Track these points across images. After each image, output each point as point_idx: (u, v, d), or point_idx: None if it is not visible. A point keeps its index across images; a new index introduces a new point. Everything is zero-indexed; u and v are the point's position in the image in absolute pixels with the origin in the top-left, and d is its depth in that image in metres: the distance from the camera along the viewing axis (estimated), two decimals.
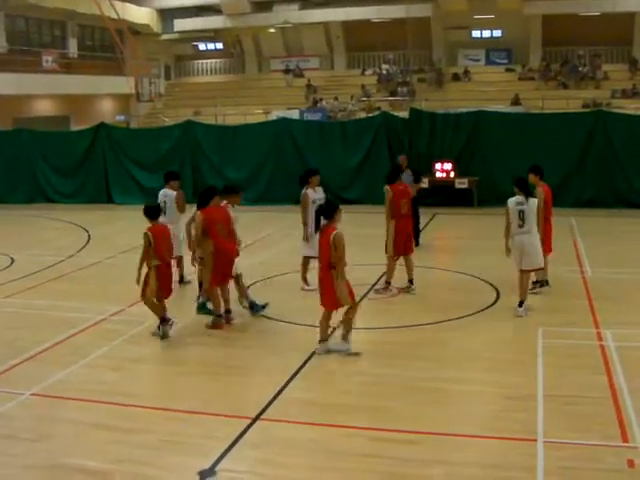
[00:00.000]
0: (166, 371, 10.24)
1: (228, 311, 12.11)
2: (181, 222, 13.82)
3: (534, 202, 12.01)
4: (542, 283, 13.38)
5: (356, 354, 10.38)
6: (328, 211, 10.47)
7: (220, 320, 11.90)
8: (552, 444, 7.58)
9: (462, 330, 11.47)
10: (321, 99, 44.25)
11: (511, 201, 12.06)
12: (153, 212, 11.53)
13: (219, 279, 11.89)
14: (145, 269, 11.29)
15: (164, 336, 11.30)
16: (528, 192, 12.08)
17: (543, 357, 10.09)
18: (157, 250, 11.19)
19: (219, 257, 11.75)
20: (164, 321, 11.35)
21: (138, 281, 11.27)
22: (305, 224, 13.78)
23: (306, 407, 8.79)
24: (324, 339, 10.56)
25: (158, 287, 11.25)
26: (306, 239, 13.75)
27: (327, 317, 10.53)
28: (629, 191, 22.70)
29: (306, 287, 13.85)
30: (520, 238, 12.00)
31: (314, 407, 8.79)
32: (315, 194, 13.85)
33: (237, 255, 12.22)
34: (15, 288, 14.57)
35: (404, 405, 8.78)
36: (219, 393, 9.35)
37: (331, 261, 10.17)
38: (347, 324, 10.51)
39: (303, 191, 13.91)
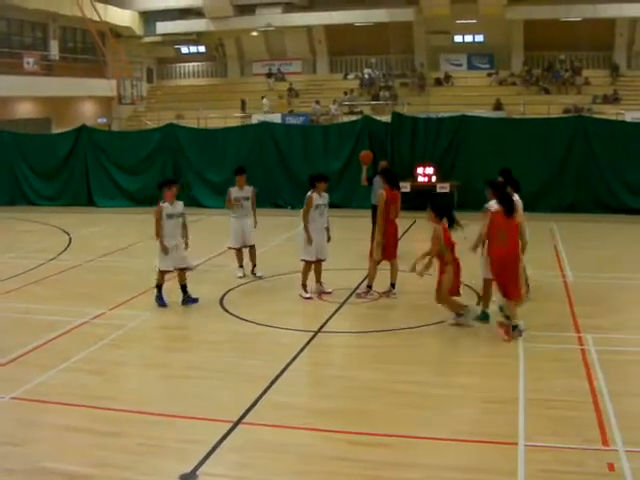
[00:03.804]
0: (147, 375, 10.19)
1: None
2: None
3: None
4: None
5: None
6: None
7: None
8: (533, 448, 7.60)
9: (443, 334, 11.49)
10: (291, 111, 43.87)
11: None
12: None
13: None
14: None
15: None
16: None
17: (524, 361, 10.14)
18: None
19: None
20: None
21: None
22: (307, 228, 13.40)
23: (287, 411, 8.77)
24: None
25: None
26: (309, 243, 13.39)
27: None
28: (609, 196, 22.86)
29: (304, 294, 13.49)
30: None
31: (295, 411, 8.78)
32: (320, 199, 13.55)
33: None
34: None
35: (383, 409, 8.79)
36: (200, 397, 9.30)
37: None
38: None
39: (309, 194, 13.52)
